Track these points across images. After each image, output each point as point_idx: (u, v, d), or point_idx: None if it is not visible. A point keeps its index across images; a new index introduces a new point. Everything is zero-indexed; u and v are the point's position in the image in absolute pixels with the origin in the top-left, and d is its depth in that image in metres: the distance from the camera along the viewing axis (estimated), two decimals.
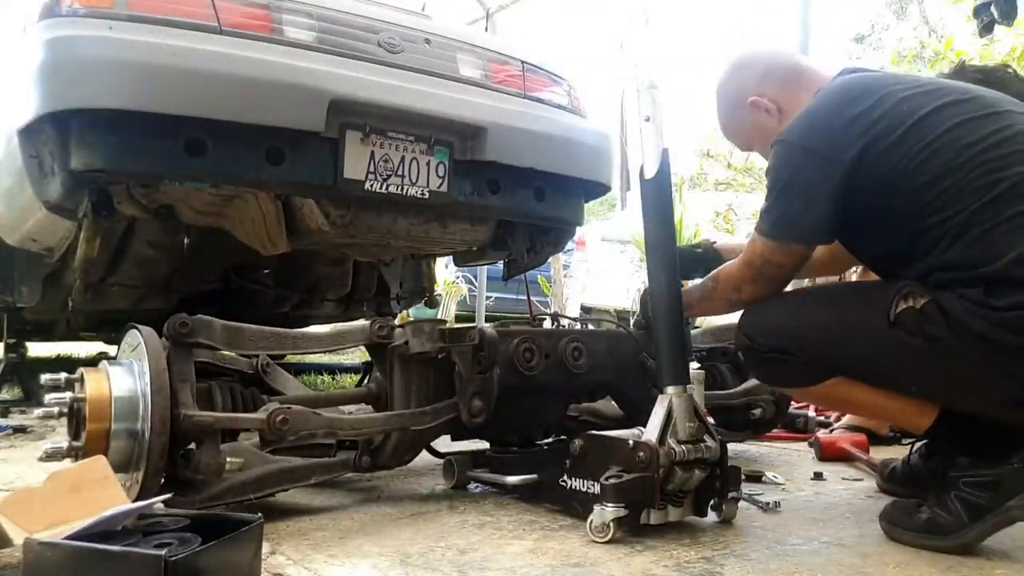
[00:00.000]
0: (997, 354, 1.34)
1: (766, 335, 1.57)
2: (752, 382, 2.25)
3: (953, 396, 1.49)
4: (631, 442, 1.47)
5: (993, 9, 3.39)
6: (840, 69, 1.63)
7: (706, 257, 2.01)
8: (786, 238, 1.52)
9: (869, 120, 1.44)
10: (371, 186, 2.32)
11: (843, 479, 2.06)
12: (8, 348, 3.68)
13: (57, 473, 1.23)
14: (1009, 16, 3.40)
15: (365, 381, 2.13)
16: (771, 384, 1.72)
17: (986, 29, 3.53)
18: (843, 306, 1.56)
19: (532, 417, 1.95)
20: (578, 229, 3.32)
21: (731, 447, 1.67)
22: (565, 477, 1.60)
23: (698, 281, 1.84)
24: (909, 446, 1.89)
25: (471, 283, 7.79)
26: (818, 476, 2.06)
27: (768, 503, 1.72)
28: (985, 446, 1.45)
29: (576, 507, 1.56)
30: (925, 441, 1.82)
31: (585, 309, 8.46)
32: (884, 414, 1.81)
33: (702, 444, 1.48)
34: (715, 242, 2.11)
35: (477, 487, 1.90)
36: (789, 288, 1.67)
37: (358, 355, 5.33)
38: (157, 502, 1.28)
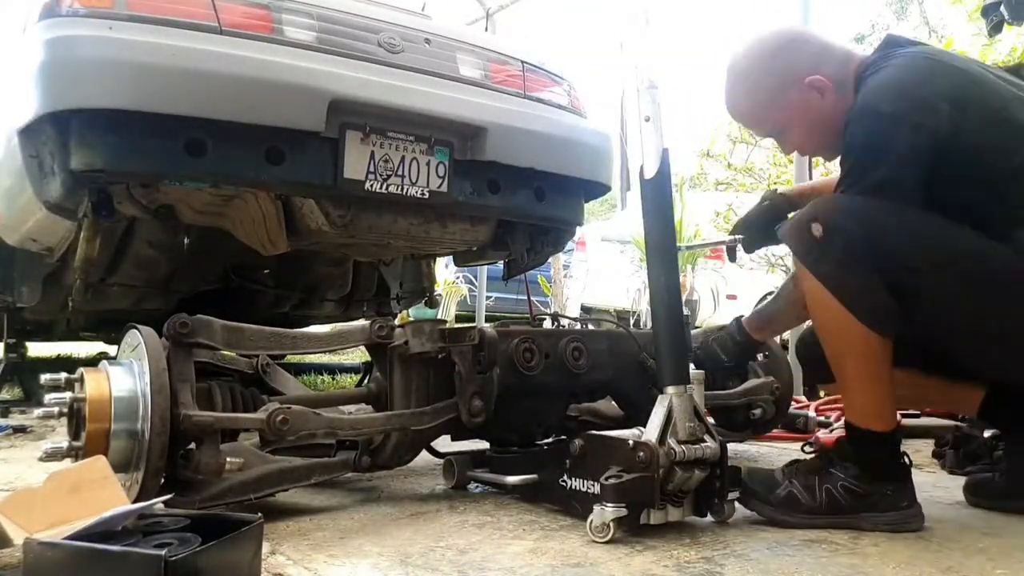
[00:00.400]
0: None
1: (864, 234, 1.43)
2: (752, 382, 2.25)
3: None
4: (631, 442, 1.47)
5: (1003, 9, 3.38)
6: (886, 39, 1.63)
7: (777, 207, 2.00)
8: (886, 196, 1.44)
9: (959, 94, 1.45)
10: (371, 186, 2.32)
11: None
12: (8, 348, 3.68)
13: (57, 473, 1.23)
14: (1019, 16, 3.40)
15: (365, 381, 2.13)
16: (835, 294, 1.48)
17: (995, 29, 3.52)
18: (972, 250, 1.47)
19: (532, 417, 1.94)
20: (578, 229, 3.32)
21: (731, 447, 1.67)
22: (565, 477, 1.60)
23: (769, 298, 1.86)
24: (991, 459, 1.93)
25: (471, 283, 7.80)
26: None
27: None
28: None
29: (576, 507, 1.56)
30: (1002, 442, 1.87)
31: (585, 309, 8.47)
32: (935, 396, 1.81)
33: (702, 444, 1.48)
34: (779, 191, 2.09)
35: (477, 487, 1.90)
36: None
37: (358, 355, 5.33)
38: (157, 502, 1.28)
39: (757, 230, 2.08)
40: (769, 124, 1.73)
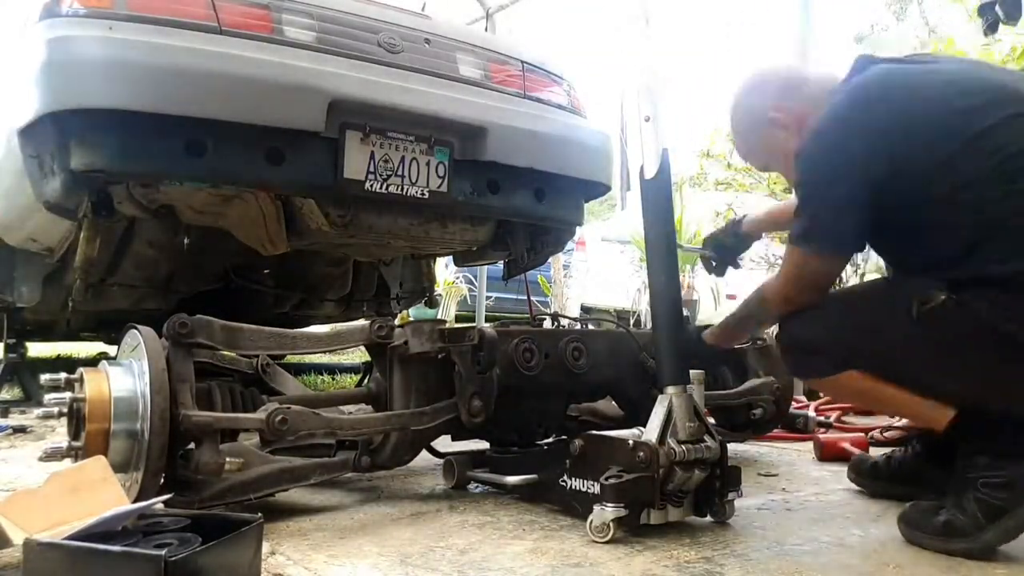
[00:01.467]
0: (1015, 349, 1.36)
1: (801, 337, 1.58)
2: (752, 382, 2.25)
3: (972, 395, 1.48)
4: (631, 442, 1.47)
5: (998, 9, 3.38)
6: (855, 62, 1.59)
7: (740, 234, 2.10)
8: (824, 249, 1.51)
9: (900, 122, 1.44)
10: (371, 186, 2.32)
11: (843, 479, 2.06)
12: (8, 348, 3.68)
13: (57, 474, 1.23)
14: (1014, 16, 3.40)
15: (365, 381, 2.13)
16: (799, 376, 1.78)
17: (991, 29, 3.52)
18: (860, 304, 1.60)
19: (532, 417, 1.94)
20: (578, 229, 3.32)
21: (731, 447, 1.67)
22: (565, 477, 1.60)
23: (735, 308, 1.88)
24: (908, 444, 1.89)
25: (471, 283, 7.79)
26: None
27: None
28: (1004, 446, 1.43)
29: (576, 507, 1.56)
30: (918, 438, 1.84)
31: (585, 309, 8.48)
32: (900, 409, 1.79)
33: (702, 444, 1.48)
34: (743, 217, 2.15)
35: (477, 487, 1.90)
36: None
37: (358, 355, 5.33)
38: (157, 502, 1.28)
39: (724, 255, 2.17)
40: (754, 159, 1.83)
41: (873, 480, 1.89)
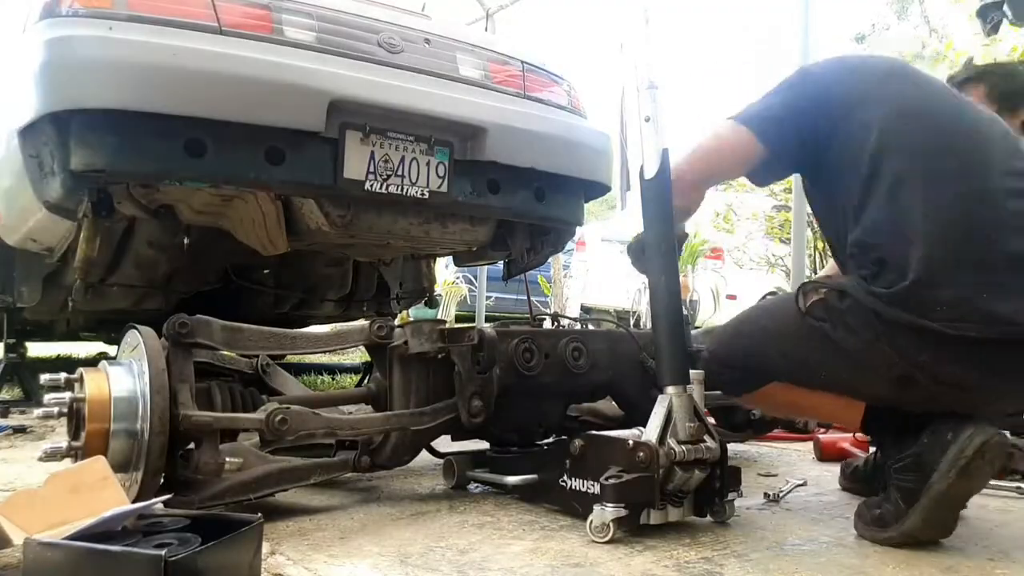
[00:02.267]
0: (883, 327, 1.40)
1: (719, 353, 1.67)
2: None
3: (857, 381, 1.52)
4: (631, 442, 1.47)
5: (1006, 8, 3.38)
6: None
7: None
8: (742, 119, 1.63)
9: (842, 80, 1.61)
10: (371, 186, 2.32)
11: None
12: (8, 348, 3.68)
13: (56, 474, 1.23)
14: (1021, 16, 3.40)
15: (365, 381, 2.13)
16: (726, 394, 1.81)
17: (993, 29, 3.53)
18: (763, 312, 1.69)
19: (532, 417, 1.94)
20: (578, 229, 3.32)
21: (731, 447, 1.67)
22: (565, 477, 1.59)
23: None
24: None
25: (471, 283, 7.80)
26: None
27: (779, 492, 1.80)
28: (908, 430, 1.47)
29: (576, 507, 1.56)
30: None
31: (585, 309, 8.48)
32: (821, 413, 1.87)
33: (702, 444, 1.48)
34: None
35: (477, 487, 1.90)
36: None
37: (358, 355, 5.33)
38: (157, 502, 1.28)
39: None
40: None
41: (855, 482, 1.92)
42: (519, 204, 2.68)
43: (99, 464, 1.28)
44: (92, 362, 1.71)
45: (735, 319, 1.74)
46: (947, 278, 1.36)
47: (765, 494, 1.82)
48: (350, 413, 1.85)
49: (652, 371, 1.88)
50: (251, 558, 1.10)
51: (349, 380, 4.37)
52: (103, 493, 1.22)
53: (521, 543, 1.43)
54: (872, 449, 2.00)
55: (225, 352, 1.80)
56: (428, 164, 2.41)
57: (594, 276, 8.90)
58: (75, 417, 1.47)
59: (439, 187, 2.44)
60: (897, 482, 1.44)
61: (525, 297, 4.05)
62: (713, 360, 1.66)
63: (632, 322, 6.71)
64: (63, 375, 1.48)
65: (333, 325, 3.95)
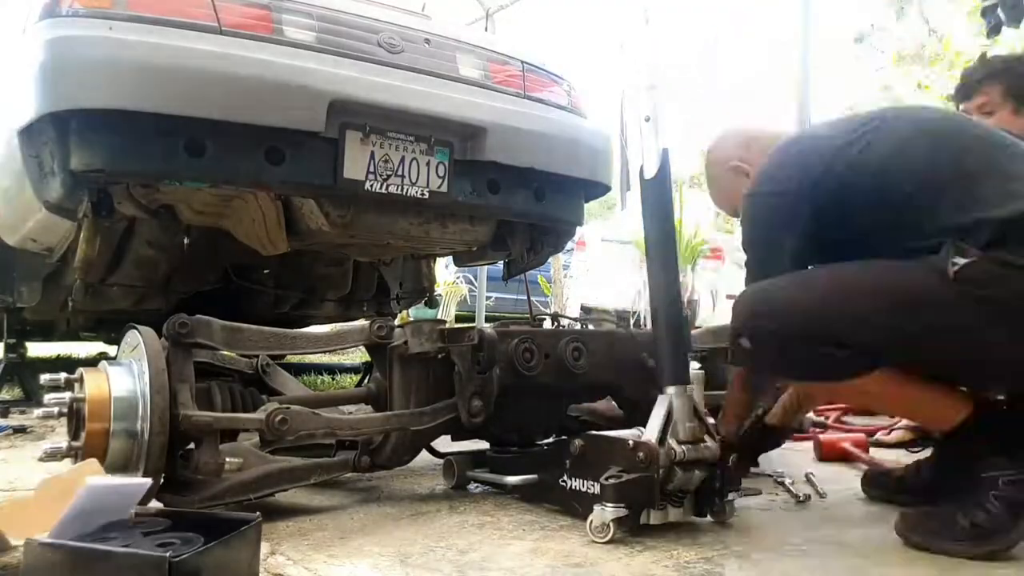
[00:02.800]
0: None
1: (808, 325, 1.41)
2: None
3: (1008, 364, 1.41)
4: (631, 442, 1.47)
5: (1000, 12, 3.40)
6: None
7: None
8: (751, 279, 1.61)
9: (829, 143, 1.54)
10: (371, 186, 2.32)
11: (843, 479, 2.06)
12: (8, 348, 3.68)
13: (48, 480, 1.23)
14: (1016, 19, 3.41)
15: (365, 381, 2.13)
16: (794, 380, 1.59)
17: (994, 31, 3.54)
18: (875, 276, 1.43)
19: (532, 417, 1.94)
20: (578, 229, 3.32)
21: None
22: (565, 477, 1.60)
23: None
24: (917, 453, 1.88)
25: (471, 283, 7.79)
26: None
27: (802, 495, 1.78)
28: (1021, 444, 1.40)
29: (576, 507, 1.56)
30: (933, 451, 1.82)
31: (585, 309, 8.46)
32: (914, 409, 1.65)
33: (702, 444, 1.48)
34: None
35: (477, 487, 1.90)
36: None
37: (358, 355, 5.33)
38: (146, 483, 1.27)
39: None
40: (722, 204, 1.93)
41: (898, 493, 1.77)
42: (519, 204, 2.68)
43: (91, 467, 1.28)
44: (92, 362, 1.71)
45: (801, 284, 1.49)
46: None
47: (793, 494, 1.79)
48: (350, 413, 1.85)
49: (652, 371, 1.87)
50: (250, 558, 1.10)
51: (349, 380, 4.37)
52: None
53: (521, 543, 1.44)
54: (918, 455, 1.95)
55: (225, 352, 1.80)
56: (428, 164, 2.41)
57: (594, 276, 8.89)
58: (75, 417, 1.47)
59: (439, 187, 2.44)
60: (1007, 494, 1.35)
61: (525, 297, 4.05)
62: (797, 334, 1.41)
63: (632, 322, 6.71)
64: (63, 375, 1.48)
65: (333, 325, 3.95)
